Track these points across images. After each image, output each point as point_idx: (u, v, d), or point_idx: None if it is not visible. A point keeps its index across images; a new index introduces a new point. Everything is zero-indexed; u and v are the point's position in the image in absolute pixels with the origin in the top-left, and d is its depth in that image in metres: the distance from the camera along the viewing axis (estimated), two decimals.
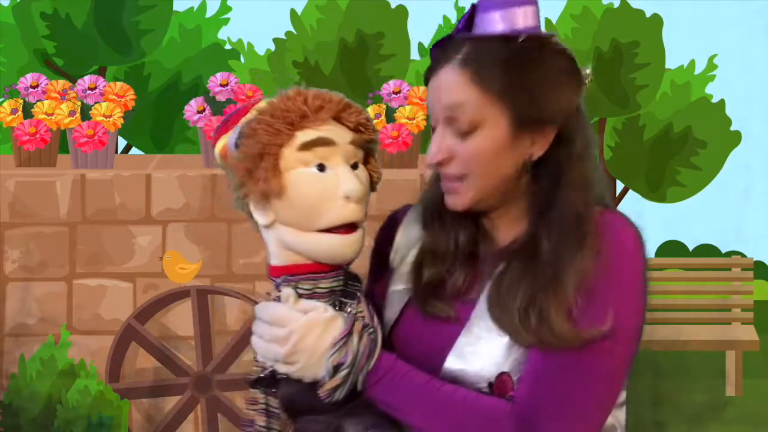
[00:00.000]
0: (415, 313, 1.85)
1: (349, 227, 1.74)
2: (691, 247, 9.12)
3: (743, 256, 8.22)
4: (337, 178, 1.73)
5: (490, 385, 1.76)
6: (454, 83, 1.77)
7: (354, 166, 1.76)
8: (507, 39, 1.77)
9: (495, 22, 1.78)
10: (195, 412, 4.93)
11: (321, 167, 1.73)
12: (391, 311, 1.88)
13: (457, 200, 1.80)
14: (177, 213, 4.90)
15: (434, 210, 1.87)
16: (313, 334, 1.73)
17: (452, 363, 1.78)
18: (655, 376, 7.14)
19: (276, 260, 1.78)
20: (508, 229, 1.83)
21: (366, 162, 1.80)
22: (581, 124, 1.81)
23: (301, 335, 1.73)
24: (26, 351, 4.78)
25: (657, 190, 7.88)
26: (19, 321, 4.88)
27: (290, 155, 1.72)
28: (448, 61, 1.78)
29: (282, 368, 1.76)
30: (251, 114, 1.77)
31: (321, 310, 1.74)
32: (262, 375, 1.80)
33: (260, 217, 1.76)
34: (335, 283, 1.77)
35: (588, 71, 1.82)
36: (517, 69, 1.77)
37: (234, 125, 1.78)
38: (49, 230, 4.88)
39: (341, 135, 1.75)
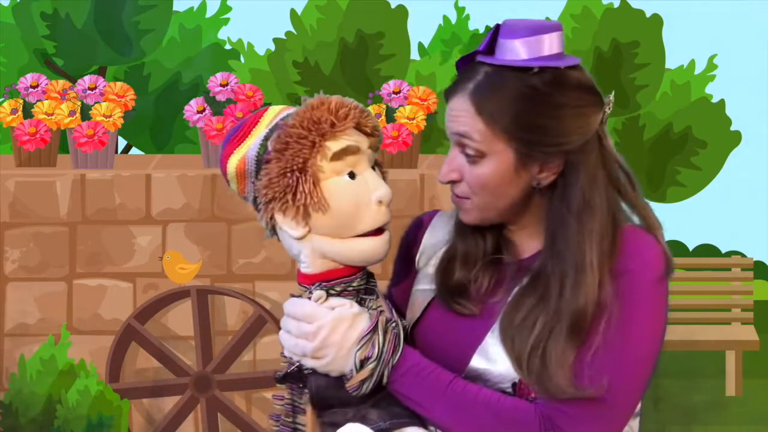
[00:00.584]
0: (439, 312, 1.87)
1: (378, 229, 1.78)
2: (691, 247, 9.12)
3: (743, 256, 8.22)
4: (366, 184, 1.76)
5: (514, 385, 1.78)
6: (464, 112, 1.79)
7: (373, 169, 1.79)
8: (523, 70, 1.77)
9: (515, 50, 1.78)
10: (195, 412, 4.93)
11: (352, 175, 1.75)
12: (414, 310, 1.91)
13: (464, 216, 1.84)
14: (177, 213, 4.90)
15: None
16: (341, 329, 1.76)
17: (477, 362, 1.80)
18: (655, 376, 7.13)
19: (309, 268, 1.80)
20: (529, 241, 1.85)
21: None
22: (593, 149, 1.80)
23: (330, 330, 1.76)
24: (26, 351, 4.78)
25: (657, 190, 7.87)
26: (19, 321, 4.88)
27: (325, 166, 1.74)
28: (463, 88, 1.80)
29: (310, 363, 1.78)
30: (269, 125, 1.77)
31: (347, 306, 1.78)
32: (289, 370, 1.81)
33: (294, 231, 1.77)
34: (362, 281, 1.81)
35: (611, 98, 1.81)
36: (527, 105, 1.77)
37: (244, 139, 1.78)
38: (49, 230, 4.88)
39: (363, 141, 1.78)
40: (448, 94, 1.83)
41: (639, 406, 1.83)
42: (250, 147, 1.77)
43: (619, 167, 1.84)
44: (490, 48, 1.79)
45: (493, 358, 1.79)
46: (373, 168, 1.79)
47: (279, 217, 1.76)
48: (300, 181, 1.72)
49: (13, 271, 4.88)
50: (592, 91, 1.80)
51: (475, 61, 1.81)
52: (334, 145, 1.74)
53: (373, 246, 1.77)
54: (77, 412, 4.57)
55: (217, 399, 4.87)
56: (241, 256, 4.93)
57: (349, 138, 1.75)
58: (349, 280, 1.79)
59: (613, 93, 1.83)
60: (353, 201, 1.75)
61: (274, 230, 1.80)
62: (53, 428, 4.59)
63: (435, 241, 1.93)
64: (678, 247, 9.07)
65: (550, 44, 1.78)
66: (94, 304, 4.89)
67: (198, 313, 4.85)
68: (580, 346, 1.74)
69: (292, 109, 1.79)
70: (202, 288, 4.84)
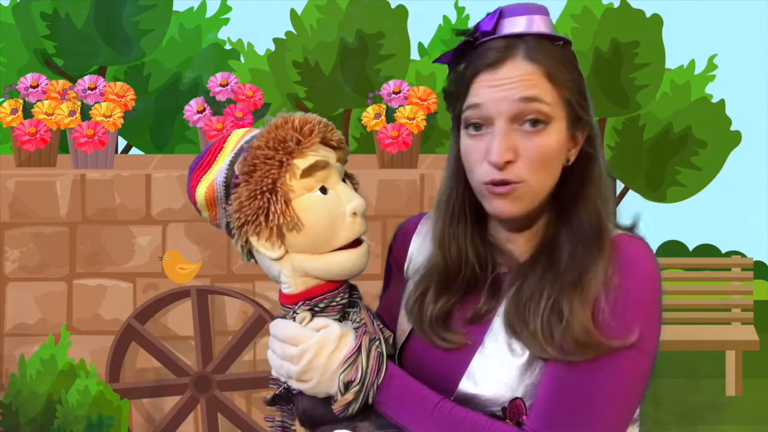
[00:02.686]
0: (422, 342, 1.85)
1: (355, 241, 1.77)
2: (691, 247, 9.12)
3: (743, 256, 8.23)
4: (339, 198, 1.76)
5: (504, 409, 1.75)
6: (528, 74, 1.74)
7: (343, 182, 1.78)
8: (550, 42, 1.77)
9: (520, 26, 1.78)
10: (195, 412, 4.93)
11: (323, 190, 1.75)
12: (401, 332, 1.88)
13: (509, 207, 1.75)
14: (177, 213, 4.89)
15: (451, 220, 1.84)
16: (325, 352, 1.75)
17: (465, 386, 1.77)
18: (655, 376, 7.14)
19: (291, 289, 1.79)
20: (526, 244, 1.82)
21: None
22: (598, 131, 1.82)
23: (314, 354, 1.75)
24: (26, 351, 4.78)
25: (657, 190, 7.88)
26: (19, 321, 4.88)
27: (295, 184, 1.73)
28: (510, 55, 1.75)
29: (295, 385, 1.77)
30: (234, 149, 1.76)
31: (332, 327, 1.76)
32: (277, 392, 1.81)
33: (271, 252, 1.76)
34: (345, 295, 1.80)
35: None
36: (574, 71, 1.78)
37: (210, 166, 1.77)
38: (49, 230, 4.88)
39: (330, 155, 1.77)
40: (484, 67, 1.76)
41: (637, 411, 1.81)
42: (217, 173, 1.75)
43: None
44: (494, 31, 1.79)
45: (480, 382, 1.76)
46: (343, 180, 1.78)
47: (254, 240, 1.75)
48: (271, 201, 1.71)
49: (13, 271, 4.88)
50: None
51: (484, 40, 1.79)
52: (302, 163, 1.72)
53: (352, 258, 1.76)
54: (77, 412, 4.57)
55: (217, 399, 4.87)
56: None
57: (317, 154, 1.74)
58: (332, 296, 1.78)
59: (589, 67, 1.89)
60: (327, 216, 1.74)
61: (250, 254, 1.79)
62: (53, 428, 4.59)
63: (423, 247, 1.91)
64: (678, 247, 9.07)
65: (545, 24, 1.80)
66: (94, 304, 4.89)
67: (198, 313, 4.85)
68: (593, 303, 1.70)
69: (256, 132, 1.77)
70: (202, 288, 4.84)
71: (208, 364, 4.86)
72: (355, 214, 1.75)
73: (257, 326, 4.85)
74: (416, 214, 1.99)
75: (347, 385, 1.75)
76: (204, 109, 5.06)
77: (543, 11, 1.79)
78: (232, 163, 1.75)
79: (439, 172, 4.77)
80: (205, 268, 4.86)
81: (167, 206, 4.90)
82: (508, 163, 1.73)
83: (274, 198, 1.71)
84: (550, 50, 1.76)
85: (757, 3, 8.87)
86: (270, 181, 1.71)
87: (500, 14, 1.78)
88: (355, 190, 1.81)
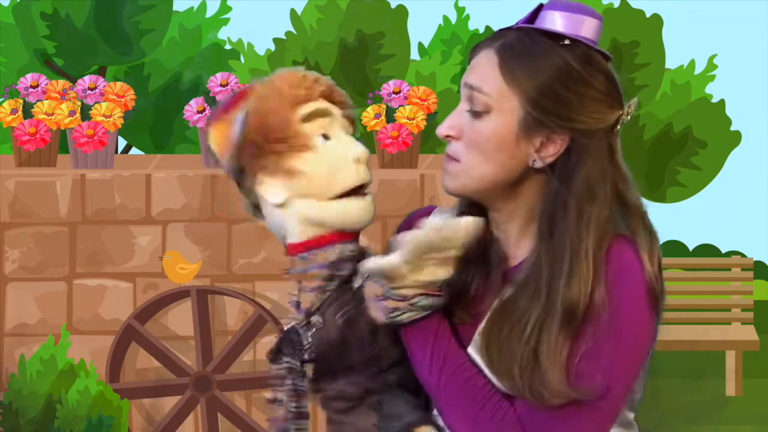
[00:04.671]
0: None
1: (360, 191, 1.79)
2: (691, 247, 9.13)
3: (743, 256, 8.23)
4: (341, 144, 1.78)
5: None
6: (483, 64, 1.77)
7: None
8: (555, 41, 1.76)
9: (554, 21, 1.77)
10: (195, 412, 4.93)
11: (325, 137, 1.77)
12: None
13: (449, 181, 1.81)
14: (177, 213, 4.90)
15: (459, 209, 1.86)
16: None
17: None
18: (655, 376, 7.14)
19: (296, 237, 1.79)
20: (516, 244, 1.81)
21: None
22: (603, 143, 1.78)
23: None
24: (26, 351, 4.78)
25: (657, 190, 7.88)
26: (19, 321, 4.88)
27: (298, 128, 1.77)
28: (490, 43, 1.78)
29: (440, 274, 1.72)
30: (250, 99, 1.80)
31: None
32: (290, 326, 1.79)
33: (274, 197, 1.78)
34: (358, 247, 1.80)
35: (634, 102, 1.81)
36: (554, 72, 1.74)
37: (230, 113, 1.81)
38: (49, 230, 4.88)
39: (334, 108, 1.80)
40: (475, 50, 1.81)
41: (632, 415, 1.80)
42: (234, 121, 1.81)
43: (626, 183, 1.83)
44: (530, 21, 1.80)
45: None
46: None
47: (259, 188, 1.78)
48: (281, 141, 1.76)
49: (13, 271, 4.88)
50: (616, 86, 1.78)
51: (510, 29, 1.80)
52: (303, 109, 1.77)
53: (360, 205, 1.77)
54: (77, 412, 4.57)
55: (217, 399, 4.87)
56: (241, 256, 4.93)
57: (319, 103, 1.79)
58: (343, 246, 1.78)
59: (636, 99, 1.84)
60: (329, 160, 1.76)
61: (257, 208, 1.81)
62: (53, 428, 4.59)
63: None
64: (678, 247, 9.08)
65: (588, 27, 1.78)
66: (94, 304, 4.89)
67: (198, 313, 4.85)
68: (573, 341, 1.70)
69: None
70: (202, 288, 4.84)
71: (208, 364, 4.87)
72: (358, 160, 1.77)
73: (257, 326, 4.85)
74: None
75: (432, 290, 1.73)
76: (204, 109, 5.06)
77: (579, 10, 1.78)
78: (246, 112, 1.79)
79: (439, 172, 4.76)
80: (205, 268, 4.86)
81: (167, 206, 4.90)
82: (450, 137, 1.79)
83: (283, 138, 1.76)
84: (526, 47, 1.76)
85: (757, 3, 8.87)
86: (275, 120, 1.76)
87: (538, 9, 1.79)
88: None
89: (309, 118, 1.77)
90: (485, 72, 1.76)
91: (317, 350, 1.77)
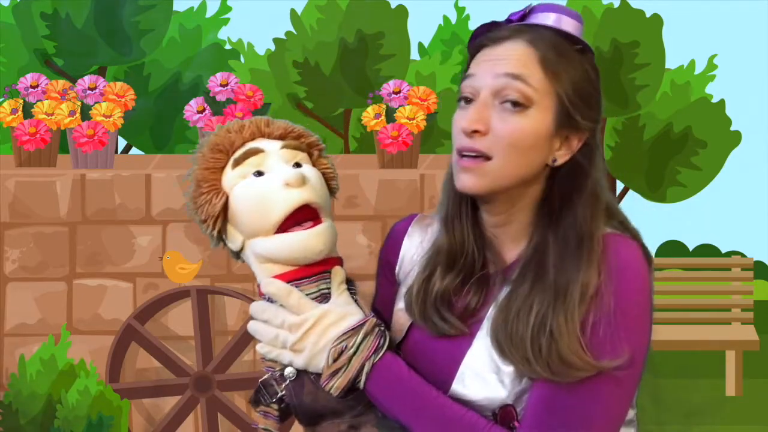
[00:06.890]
0: (421, 334, 1.82)
1: (312, 220, 1.76)
2: (691, 247, 9.13)
3: (743, 256, 8.23)
4: (271, 175, 1.77)
5: (494, 414, 1.73)
6: (522, 55, 1.73)
7: (297, 165, 1.79)
8: (563, 39, 1.77)
9: (548, 21, 1.78)
10: (195, 412, 4.93)
11: (259, 173, 1.77)
12: (396, 331, 1.85)
13: (471, 181, 1.74)
14: (177, 213, 4.89)
15: (455, 201, 1.83)
16: (324, 323, 1.73)
17: (457, 389, 1.76)
18: (655, 376, 7.13)
19: (258, 277, 1.84)
20: (512, 243, 1.80)
21: (316, 163, 1.83)
22: (599, 145, 1.80)
23: (313, 323, 1.73)
24: (26, 351, 4.78)
25: (657, 190, 7.88)
26: (19, 321, 4.88)
27: (230, 175, 1.78)
28: (517, 36, 1.75)
29: (287, 357, 1.75)
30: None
31: (338, 303, 1.74)
32: (267, 376, 1.80)
33: (233, 243, 1.83)
34: (322, 286, 1.78)
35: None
36: (585, 72, 1.77)
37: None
38: (49, 230, 4.88)
39: (269, 144, 1.79)
40: (488, 42, 1.77)
41: (632, 413, 1.80)
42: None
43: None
44: (522, 20, 1.79)
45: (469, 386, 1.74)
46: (298, 165, 1.80)
47: (227, 240, 1.83)
48: (210, 197, 1.79)
49: (13, 271, 4.88)
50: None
51: (506, 26, 1.79)
52: (234, 155, 1.79)
53: (305, 236, 1.76)
54: (77, 412, 4.57)
55: (217, 399, 4.87)
56: None
57: (250, 144, 1.80)
58: (299, 284, 1.78)
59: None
60: (259, 192, 1.76)
61: (237, 255, 1.89)
62: (53, 428, 4.59)
63: (413, 250, 1.89)
64: (678, 247, 9.08)
65: (574, 29, 1.80)
66: (94, 304, 4.89)
67: (198, 313, 4.85)
68: (585, 316, 1.68)
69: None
70: (202, 288, 4.84)
71: (208, 364, 4.87)
72: (288, 184, 1.74)
73: None
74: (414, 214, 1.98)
75: (336, 358, 1.72)
76: (204, 109, 5.06)
77: (569, 14, 1.79)
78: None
79: (440, 172, 4.77)
80: (205, 268, 4.86)
81: (167, 206, 4.90)
82: (477, 132, 1.72)
83: (202, 189, 1.79)
84: (559, 45, 1.76)
85: (757, 3, 8.87)
86: (199, 173, 1.80)
87: (532, 9, 1.79)
88: (329, 177, 1.82)
89: (236, 163, 1.78)
90: (525, 64, 1.73)
91: (295, 399, 1.78)
